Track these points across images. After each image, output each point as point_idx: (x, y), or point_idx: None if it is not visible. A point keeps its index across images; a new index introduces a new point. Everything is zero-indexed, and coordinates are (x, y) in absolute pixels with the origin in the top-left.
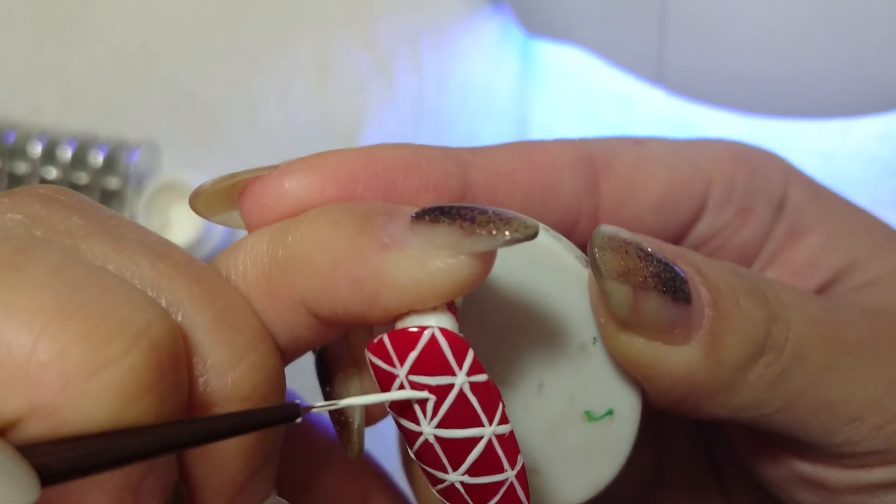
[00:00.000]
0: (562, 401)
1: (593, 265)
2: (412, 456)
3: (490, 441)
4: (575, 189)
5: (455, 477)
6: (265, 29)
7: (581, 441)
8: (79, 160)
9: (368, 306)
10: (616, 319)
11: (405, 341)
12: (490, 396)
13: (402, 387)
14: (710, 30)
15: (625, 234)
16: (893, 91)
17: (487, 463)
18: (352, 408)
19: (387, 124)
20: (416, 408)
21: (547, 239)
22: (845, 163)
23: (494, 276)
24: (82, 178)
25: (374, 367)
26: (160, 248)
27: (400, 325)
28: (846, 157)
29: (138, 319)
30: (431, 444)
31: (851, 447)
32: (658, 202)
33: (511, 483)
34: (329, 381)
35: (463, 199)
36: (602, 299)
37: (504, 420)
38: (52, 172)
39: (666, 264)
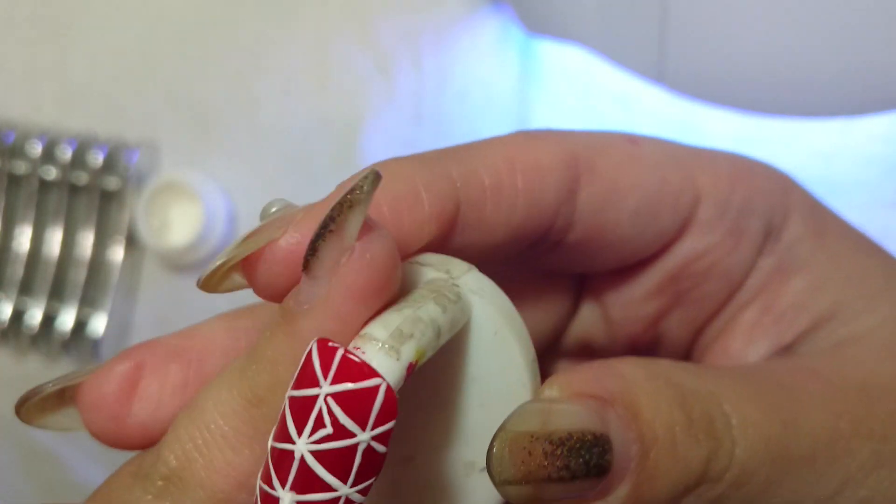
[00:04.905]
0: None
1: (489, 467)
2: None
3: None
4: (557, 195)
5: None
6: (265, 29)
7: None
8: (78, 160)
9: None
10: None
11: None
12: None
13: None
14: (712, 29)
15: (533, 422)
16: (894, 91)
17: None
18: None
19: (387, 124)
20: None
21: (509, 337)
22: (846, 163)
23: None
24: (82, 178)
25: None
26: None
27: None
28: (847, 157)
29: None
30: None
31: None
32: (638, 209)
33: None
34: None
35: (456, 222)
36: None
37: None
38: (52, 172)
39: (581, 446)
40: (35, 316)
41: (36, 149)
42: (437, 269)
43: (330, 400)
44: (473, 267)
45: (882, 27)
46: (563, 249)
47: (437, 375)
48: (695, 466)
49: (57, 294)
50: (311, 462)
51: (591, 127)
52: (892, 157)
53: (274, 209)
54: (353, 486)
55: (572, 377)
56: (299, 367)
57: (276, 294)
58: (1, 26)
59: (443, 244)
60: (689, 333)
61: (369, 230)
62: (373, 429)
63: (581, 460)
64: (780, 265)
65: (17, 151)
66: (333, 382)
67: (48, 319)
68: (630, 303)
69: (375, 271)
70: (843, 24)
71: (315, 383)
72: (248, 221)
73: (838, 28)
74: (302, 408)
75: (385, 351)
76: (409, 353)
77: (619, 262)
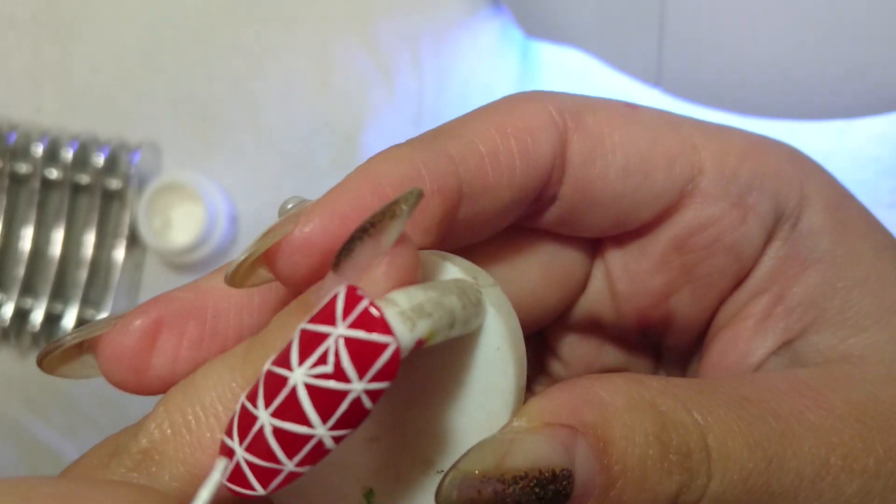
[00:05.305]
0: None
1: (437, 500)
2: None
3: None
4: (552, 150)
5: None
6: (266, 30)
7: None
8: (80, 161)
9: None
10: None
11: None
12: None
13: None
14: (710, 32)
15: (489, 459)
16: (893, 92)
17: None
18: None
19: (387, 125)
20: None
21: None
22: (843, 163)
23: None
24: (84, 178)
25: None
26: None
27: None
28: (844, 158)
29: None
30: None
31: None
32: (627, 165)
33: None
34: None
35: (460, 195)
36: None
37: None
38: (54, 173)
39: (535, 484)
40: (37, 315)
41: (38, 149)
42: (466, 272)
43: (340, 341)
44: (497, 285)
45: (882, 28)
46: (560, 206)
47: (430, 369)
48: (663, 500)
49: (59, 293)
50: (301, 392)
51: None
52: (889, 158)
53: (290, 206)
54: (330, 429)
55: (546, 404)
56: (321, 306)
57: (298, 282)
58: (3, 28)
59: (451, 219)
60: (702, 314)
61: (402, 240)
62: (369, 382)
63: (534, 497)
64: (795, 254)
65: (19, 152)
66: (350, 327)
67: (50, 319)
68: (636, 275)
69: (402, 280)
70: (842, 26)
71: (332, 322)
72: (250, 221)
73: (837, 29)
74: (310, 341)
75: (403, 318)
76: (423, 328)
77: (617, 223)
